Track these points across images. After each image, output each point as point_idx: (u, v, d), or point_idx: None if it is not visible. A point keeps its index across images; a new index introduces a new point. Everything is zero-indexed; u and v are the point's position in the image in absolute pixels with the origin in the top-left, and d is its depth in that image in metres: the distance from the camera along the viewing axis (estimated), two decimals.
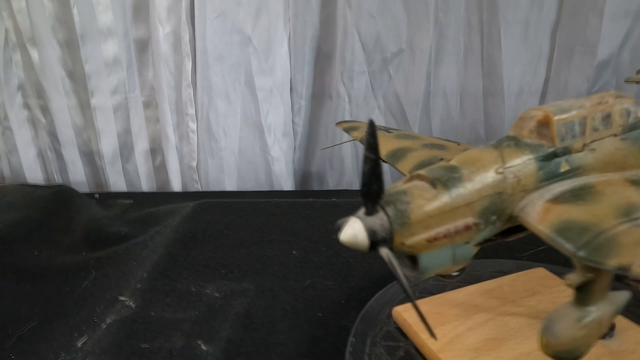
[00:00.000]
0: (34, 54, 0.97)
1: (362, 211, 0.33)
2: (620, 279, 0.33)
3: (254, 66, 0.94)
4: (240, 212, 0.86)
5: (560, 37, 0.90)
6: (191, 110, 0.98)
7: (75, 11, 0.92)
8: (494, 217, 0.36)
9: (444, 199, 0.34)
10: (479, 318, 0.49)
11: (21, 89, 1.03)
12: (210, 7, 0.90)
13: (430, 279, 0.56)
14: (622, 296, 0.35)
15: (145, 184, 1.08)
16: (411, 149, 0.48)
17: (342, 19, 0.92)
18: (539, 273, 0.57)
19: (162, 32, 0.93)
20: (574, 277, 0.33)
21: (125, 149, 1.05)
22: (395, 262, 0.33)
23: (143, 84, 1.01)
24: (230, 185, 1.04)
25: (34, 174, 1.08)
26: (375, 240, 0.33)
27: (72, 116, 1.02)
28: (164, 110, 0.99)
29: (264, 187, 1.04)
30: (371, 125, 0.30)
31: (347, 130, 0.59)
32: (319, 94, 1.01)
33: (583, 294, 0.34)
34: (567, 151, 0.37)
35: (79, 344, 0.56)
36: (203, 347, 0.53)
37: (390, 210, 0.33)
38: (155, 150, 1.07)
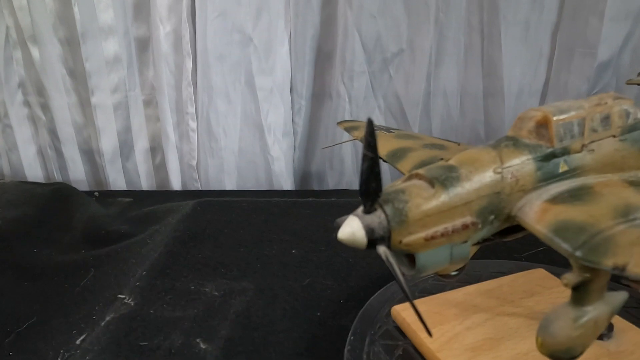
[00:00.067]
0: (35, 52, 0.97)
1: (360, 209, 0.33)
2: (619, 280, 0.33)
3: (254, 66, 0.95)
4: (240, 212, 0.86)
5: (561, 38, 0.90)
6: (191, 109, 0.98)
7: (76, 9, 0.92)
8: (491, 217, 0.36)
9: (442, 198, 0.34)
10: (478, 318, 0.49)
11: (22, 87, 1.03)
12: (211, 6, 0.90)
13: (429, 278, 0.56)
14: (619, 296, 0.35)
15: (145, 183, 1.08)
16: (411, 149, 0.48)
17: (342, 19, 0.92)
18: (538, 274, 0.57)
19: (163, 31, 0.93)
20: (571, 277, 0.33)
21: (125, 148, 1.05)
22: (392, 260, 0.33)
23: (143, 83, 1.01)
24: (230, 185, 1.04)
25: (33, 172, 1.08)
26: (373, 238, 0.33)
27: (73, 114, 1.02)
28: (164, 109, 0.99)
29: (264, 187, 1.04)
30: (370, 124, 0.31)
31: (348, 130, 0.59)
32: (319, 93, 1.01)
33: (580, 294, 0.34)
34: (565, 152, 0.38)
35: (78, 342, 0.56)
36: (202, 345, 0.53)
37: (388, 208, 0.33)
38: (155, 149, 1.07)
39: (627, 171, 0.40)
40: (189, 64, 0.95)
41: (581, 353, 0.34)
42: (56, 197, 0.94)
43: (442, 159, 0.39)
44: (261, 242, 0.75)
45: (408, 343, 0.48)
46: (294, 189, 1.05)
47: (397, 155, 0.48)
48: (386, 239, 0.33)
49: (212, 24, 0.91)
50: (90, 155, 1.07)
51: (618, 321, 0.46)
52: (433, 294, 0.54)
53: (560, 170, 0.37)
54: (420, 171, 0.36)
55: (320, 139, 1.04)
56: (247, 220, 0.82)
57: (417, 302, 0.33)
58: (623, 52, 0.88)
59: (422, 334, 0.46)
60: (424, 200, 0.34)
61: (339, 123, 0.63)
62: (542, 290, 0.53)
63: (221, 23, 0.92)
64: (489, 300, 0.52)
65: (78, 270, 0.71)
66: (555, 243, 0.33)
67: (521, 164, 0.37)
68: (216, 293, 0.63)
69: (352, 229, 0.33)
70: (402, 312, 0.50)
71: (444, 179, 0.35)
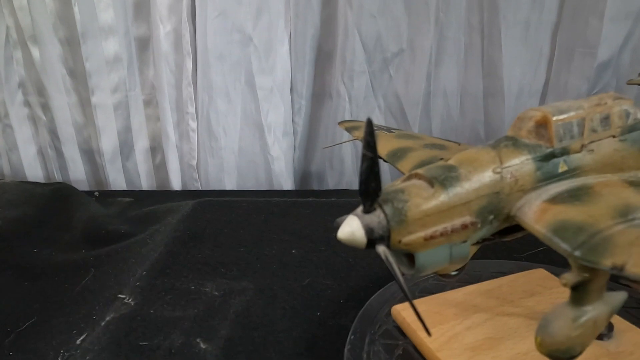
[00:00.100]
0: (35, 52, 0.98)
1: (359, 209, 0.33)
2: (618, 280, 0.33)
3: (254, 65, 0.95)
4: (239, 211, 0.86)
5: (561, 38, 0.90)
6: (191, 109, 0.98)
7: (76, 9, 0.92)
8: (491, 217, 0.36)
9: (442, 197, 0.34)
10: (478, 318, 0.49)
11: (22, 87, 1.03)
12: (211, 6, 0.90)
13: (429, 278, 0.56)
14: (619, 297, 0.35)
15: (145, 182, 1.08)
16: (412, 149, 0.48)
17: (342, 19, 0.92)
18: (538, 274, 0.57)
19: (163, 30, 0.93)
20: (570, 277, 0.33)
21: (126, 147, 1.05)
22: (392, 260, 0.33)
23: (144, 82, 1.01)
24: (230, 184, 1.04)
25: (34, 172, 1.08)
26: (373, 237, 0.33)
27: (73, 114, 1.02)
28: (165, 108, 0.99)
29: (264, 186, 1.04)
30: (369, 124, 0.31)
31: (349, 130, 0.59)
32: (320, 93, 1.01)
33: (579, 294, 0.34)
34: (565, 152, 0.38)
35: (78, 342, 0.56)
36: (202, 345, 0.53)
37: (387, 208, 0.33)
38: (156, 149, 1.07)
39: (627, 171, 0.39)
40: (189, 63, 0.95)
41: (580, 353, 0.34)
42: (56, 197, 0.94)
43: (442, 158, 0.39)
44: (261, 242, 0.75)
45: (408, 343, 0.48)
46: (294, 188, 1.05)
47: (397, 155, 0.48)
48: (385, 239, 0.33)
49: (212, 23, 0.91)
50: (91, 155, 1.07)
51: (618, 321, 0.46)
52: (433, 293, 0.54)
53: (560, 170, 0.37)
54: (420, 171, 0.36)
55: (320, 138, 1.04)
56: (247, 220, 0.83)
57: (417, 301, 0.33)
58: (623, 52, 0.88)
59: (422, 333, 0.46)
60: (424, 200, 0.34)
61: (340, 123, 0.63)
62: (542, 290, 0.53)
63: (221, 22, 0.92)
64: (489, 300, 0.52)
65: (78, 270, 0.71)
66: (554, 243, 0.33)
67: (520, 164, 0.37)
68: (216, 293, 0.63)
69: (351, 228, 0.33)
70: (402, 311, 0.50)
71: (444, 178, 0.35)
